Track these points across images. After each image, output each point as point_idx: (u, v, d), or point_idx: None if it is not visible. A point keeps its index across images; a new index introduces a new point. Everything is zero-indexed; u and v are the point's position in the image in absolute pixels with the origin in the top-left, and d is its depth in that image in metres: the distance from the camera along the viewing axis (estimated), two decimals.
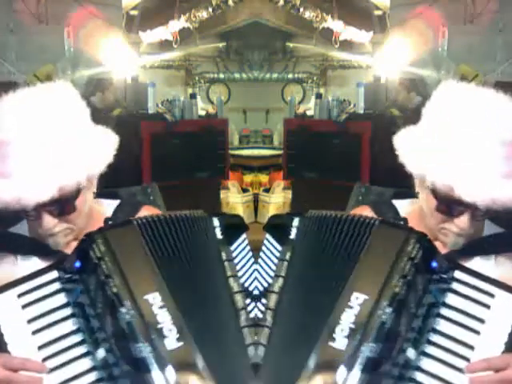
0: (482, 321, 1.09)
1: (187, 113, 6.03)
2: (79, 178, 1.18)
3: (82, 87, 5.94)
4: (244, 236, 1.24)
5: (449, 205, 1.19)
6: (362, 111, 5.78)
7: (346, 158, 5.13)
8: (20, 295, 1.10)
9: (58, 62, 6.18)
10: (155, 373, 0.98)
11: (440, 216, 1.22)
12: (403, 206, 1.39)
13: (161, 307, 1.04)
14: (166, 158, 5.08)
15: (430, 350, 1.07)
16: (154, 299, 1.04)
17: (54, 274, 1.13)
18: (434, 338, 1.08)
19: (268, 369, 1.06)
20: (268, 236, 1.24)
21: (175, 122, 5.69)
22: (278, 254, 1.19)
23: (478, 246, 1.24)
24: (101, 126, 1.30)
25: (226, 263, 1.17)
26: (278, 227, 1.24)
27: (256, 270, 1.21)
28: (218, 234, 1.20)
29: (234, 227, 1.25)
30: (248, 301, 1.15)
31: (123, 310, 1.03)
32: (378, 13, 7.11)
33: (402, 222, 1.29)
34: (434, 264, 1.10)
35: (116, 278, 1.06)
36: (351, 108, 6.43)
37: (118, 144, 1.30)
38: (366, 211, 1.38)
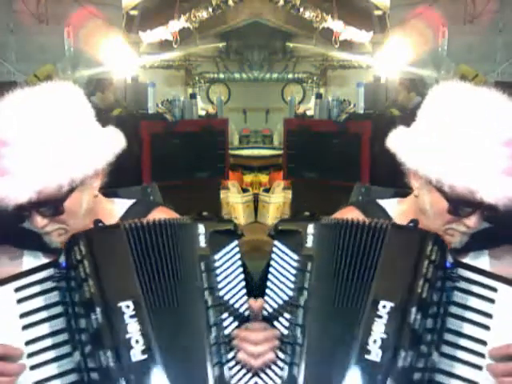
0: (489, 315, 1.09)
1: (187, 113, 6.03)
2: (71, 178, 1.15)
3: (81, 87, 5.92)
4: (235, 243, 1.16)
5: (463, 206, 1.18)
6: (362, 111, 5.78)
7: (346, 158, 5.13)
8: (17, 289, 1.10)
9: (58, 62, 6.18)
10: (117, 382, 0.97)
11: (448, 217, 1.20)
12: (390, 206, 1.38)
13: (132, 316, 1.02)
14: (166, 158, 5.08)
15: (446, 349, 1.06)
16: (128, 308, 1.02)
17: (51, 271, 1.12)
18: (448, 337, 1.07)
19: None
20: (278, 243, 1.15)
21: (175, 121, 5.69)
22: (294, 264, 1.12)
23: (470, 242, 1.25)
24: (105, 127, 1.29)
25: (203, 274, 1.10)
26: (288, 233, 1.16)
27: (268, 279, 1.13)
28: (202, 242, 1.13)
29: (226, 233, 1.18)
30: (226, 315, 1.08)
31: (93, 316, 1.01)
32: (378, 13, 7.12)
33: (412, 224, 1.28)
34: (448, 263, 1.10)
35: (92, 281, 1.04)
36: (351, 108, 6.43)
37: (121, 144, 1.29)
38: (354, 212, 1.36)
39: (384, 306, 1.02)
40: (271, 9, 6.96)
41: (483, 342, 1.07)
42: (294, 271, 1.10)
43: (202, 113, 6.98)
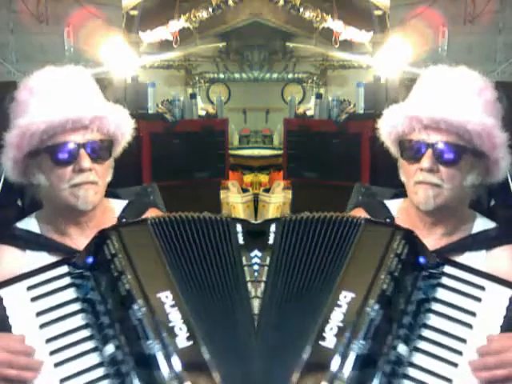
0: (473, 314, 1.10)
1: (187, 113, 6.03)
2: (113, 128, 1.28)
3: None
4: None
5: (410, 147, 1.26)
6: (362, 111, 5.77)
7: (346, 158, 5.12)
8: (29, 288, 1.11)
9: (57, 62, 6.18)
10: (164, 370, 0.99)
11: (410, 170, 1.26)
12: (394, 205, 1.41)
13: (172, 306, 1.05)
14: (165, 158, 5.08)
15: (422, 345, 1.08)
16: (167, 298, 1.05)
17: (64, 268, 1.14)
18: (426, 333, 1.09)
19: (262, 373, 1.04)
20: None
21: (175, 121, 5.69)
22: (258, 261, 1.17)
23: (468, 243, 1.26)
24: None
25: (246, 268, 1.15)
26: (260, 235, 1.21)
27: None
28: (240, 240, 1.18)
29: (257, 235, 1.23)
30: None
31: (135, 307, 1.04)
32: (378, 13, 7.11)
33: (388, 220, 1.31)
34: (422, 260, 1.12)
35: (129, 275, 1.07)
36: (351, 108, 6.43)
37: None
38: (361, 213, 1.40)
39: (345, 296, 1.05)
40: (271, 9, 6.96)
41: (463, 340, 1.08)
42: (256, 267, 1.16)
43: (202, 113, 6.98)
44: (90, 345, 1.07)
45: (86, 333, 1.08)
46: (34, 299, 1.10)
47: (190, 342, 1.01)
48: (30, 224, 1.32)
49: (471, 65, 1.31)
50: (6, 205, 1.41)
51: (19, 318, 1.09)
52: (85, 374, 1.05)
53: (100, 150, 1.26)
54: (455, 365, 1.06)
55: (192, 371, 0.99)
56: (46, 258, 1.22)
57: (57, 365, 1.05)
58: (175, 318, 1.03)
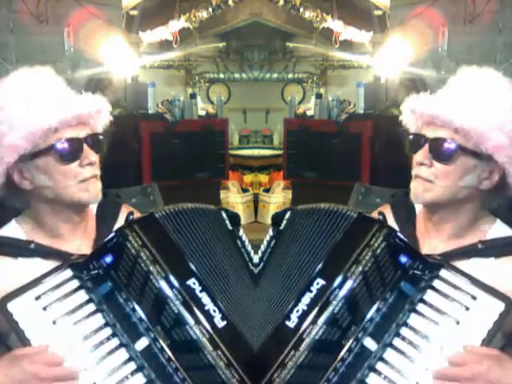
0: (457, 322, 1.09)
1: (187, 113, 6.03)
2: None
3: (82, 87, 5.94)
4: (241, 230, 1.30)
5: (412, 140, 1.27)
6: (362, 111, 5.77)
7: (346, 157, 5.13)
8: (37, 297, 1.12)
9: (57, 61, 6.18)
10: (210, 352, 1.06)
11: (413, 163, 1.27)
12: (419, 206, 1.39)
13: (201, 291, 1.11)
14: (165, 158, 5.09)
15: (397, 343, 1.10)
16: (194, 284, 1.11)
17: (68, 272, 1.14)
18: (404, 332, 1.10)
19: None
20: (270, 230, 1.30)
21: (175, 121, 5.69)
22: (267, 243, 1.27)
23: (476, 248, 1.24)
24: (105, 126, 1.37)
25: (242, 250, 1.24)
26: (277, 222, 1.30)
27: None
28: (229, 225, 1.27)
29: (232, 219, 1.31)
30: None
31: (172, 297, 1.09)
32: (378, 13, 7.11)
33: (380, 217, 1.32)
34: (404, 259, 1.13)
35: (158, 268, 1.11)
36: (351, 108, 6.43)
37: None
38: (386, 210, 1.40)
39: (318, 283, 1.13)
40: (271, 9, 6.96)
41: (439, 346, 1.08)
42: (263, 248, 1.26)
43: (202, 113, 6.98)
44: (115, 342, 1.09)
45: (108, 331, 1.10)
46: (45, 308, 1.11)
47: (225, 322, 1.09)
48: (13, 230, 1.28)
49: (471, 65, 1.30)
50: (6, 204, 1.38)
51: (35, 329, 1.09)
52: (116, 371, 1.07)
53: (97, 143, 1.27)
54: (426, 368, 1.07)
55: (234, 348, 1.07)
56: (39, 264, 1.20)
57: (87, 368, 1.07)
58: (207, 301, 1.10)
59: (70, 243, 1.26)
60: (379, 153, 4.95)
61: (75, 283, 1.14)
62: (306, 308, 1.10)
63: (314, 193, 5.03)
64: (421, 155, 1.24)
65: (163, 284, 1.10)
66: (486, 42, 6.44)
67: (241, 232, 1.30)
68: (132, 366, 1.07)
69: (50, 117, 1.18)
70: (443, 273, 1.15)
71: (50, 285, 1.13)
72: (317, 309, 1.09)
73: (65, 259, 1.18)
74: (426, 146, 1.23)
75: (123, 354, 1.08)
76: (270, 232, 1.29)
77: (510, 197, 1.26)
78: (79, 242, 1.27)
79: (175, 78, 7.67)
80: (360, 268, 1.12)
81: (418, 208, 1.38)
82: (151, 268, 1.11)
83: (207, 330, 1.07)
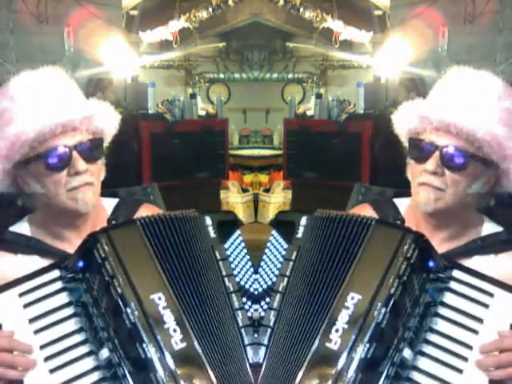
0: (480, 320, 1.09)
1: (187, 113, 6.03)
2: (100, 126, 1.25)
3: (82, 87, 5.92)
4: (238, 232, 1.24)
5: (419, 146, 1.23)
6: (362, 111, 5.77)
7: (346, 157, 5.12)
8: (21, 294, 1.10)
9: (57, 61, 6.18)
10: (161, 373, 0.99)
11: (416, 170, 1.24)
12: (402, 203, 1.39)
13: (165, 307, 1.04)
14: (166, 158, 5.08)
15: (427, 349, 1.07)
16: (160, 299, 1.05)
17: (56, 273, 1.13)
18: (432, 337, 1.08)
19: (268, 368, 1.06)
20: (274, 233, 1.23)
21: (175, 121, 5.68)
22: (283, 252, 1.19)
23: (476, 247, 1.24)
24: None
25: (220, 262, 1.16)
26: (284, 224, 1.23)
27: (260, 266, 1.21)
28: (212, 233, 1.19)
29: (228, 224, 1.25)
30: (244, 299, 1.14)
31: (128, 310, 1.03)
32: (378, 13, 7.11)
33: (399, 222, 1.30)
34: (431, 264, 1.10)
35: (121, 278, 1.06)
36: (351, 108, 6.43)
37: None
38: (367, 209, 1.38)
39: (352, 298, 1.05)
40: (271, 9, 6.95)
41: (469, 347, 1.07)
42: (281, 259, 1.17)
43: (202, 113, 6.98)
44: (84, 349, 1.07)
45: (80, 337, 1.08)
46: (26, 305, 1.09)
47: (185, 344, 1.02)
48: (22, 228, 1.29)
49: (471, 65, 1.29)
50: (6, 205, 1.39)
51: (12, 325, 1.08)
52: (81, 378, 1.05)
53: (92, 150, 1.24)
54: (460, 371, 1.06)
55: (188, 372, 1.00)
56: (38, 262, 1.21)
57: (52, 371, 1.05)
58: (169, 319, 1.03)
59: (76, 245, 1.25)
60: (379, 153, 4.95)
61: (59, 284, 1.13)
62: (347, 326, 1.03)
63: (314, 193, 5.03)
64: (432, 164, 1.20)
65: (123, 295, 1.04)
66: (486, 42, 6.44)
67: (235, 236, 1.23)
68: (96, 375, 1.05)
69: (28, 127, 1.16)
70: (456, 273, 1.14)
71: (35, 283, 1.12)
72: (361, 325, 1.02)
73: (60, 259, 1.17)
74: (437, 154, 1.20)
75: (89, 362, 1.06)
76: (277, 236, 1.22)
77: (500, 195, 1.27)
78: None
79: (175, 78, 7.67)
80: (397, 277, 1.07)
81: (402, 207, 1.37)
82: (114, 277, 1.06)
83: (161, 350, 1.00)
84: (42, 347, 1.07)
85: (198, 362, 1.01)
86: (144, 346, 1.01)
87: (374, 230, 1.14)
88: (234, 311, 1.10)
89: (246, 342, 1.08)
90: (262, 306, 1.15)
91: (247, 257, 1.22)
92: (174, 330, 1.02)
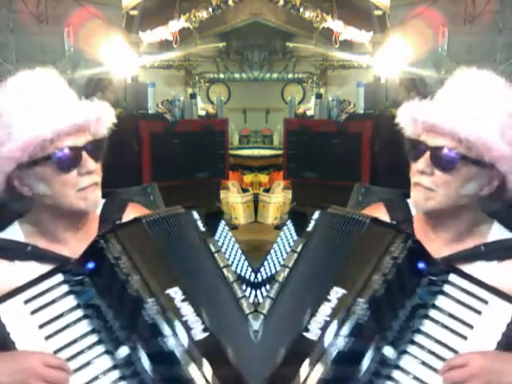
0: (470, 326, 1.09)
1: (187, 113, 6.03)
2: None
3: (82, 87, 5.94)
4: (223, 223, 1.26)
5: (413, 146, 1.23)
6: (362, 111, 5.77)
7: (346, 157, 5.12)
8: (26, 301, 1.11)
9: (57, 61, 6.17)
10: (184, 364, 1.01)
11: (412, 170, 1.24)
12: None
13: (182, 301, 1.07)
14: (166, 158, 5.08)
15: (412, 350, 1.08)
16: (176, 293, 1.07)
17: (59, 277, 1.14)
18: (418, 338, 1.09)
19: (259, 353, 1.09)
20: (289, 222, 1.26)
21: (175, 121, 5.68)
22: (291, 243, 1.22)
23: (479, 252, 1.23)
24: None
25: (216, 255, 1.18)
26: (299, 216, 1.26)
27: (271, 252, 1.23)
28: (201, 227, 1.22)
29: (212, 215, 1.27)
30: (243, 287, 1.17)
31: (147, 306, 1.05)
32: (378, 13, 7.10)
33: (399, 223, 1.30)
34: (422, 265, 1.11)
35: (136, 275, 1.08)
36: (351, 108, 6.43)
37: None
38: (380, 209, 1.38)
39: (336, 292, 1.08)
40: (271, 9, 6.95)
41: (455, 351, 1.08)
42: (288, 249, 1.20)
43: (202, 113, 6.98)
44: (100, 349, 1.08)
45: (93, 338, 1.09)
46: (33, 312, 1.10)
47: (205, 334, 1.04)
48: (14, 233, 1.27)
49: (471, 65, 1.29)
50: (6, 205, 1.37)
51: (21, 332, 1.08)
52: (98, 379, 1.06)
53: (97, 150, 1.25)
54: (440, 374, 1.06)
55: (212, 361, 1.02)
56: (36, 268, 1.20)
57: (70, 374, 1.06)
58: (187, 311, 1.06)
59: (71, 247, 1.25)
60: (379, 153, 4.95)
61: (65, 288, 1.13)
62: (328, 319, 1.05)
63: (314, 193, 5.03)
64: (422, 164, 1.21)
65: (140, 292, 1.07)
66: (486, 42, 6.44)
67: (221, 227, 1.25)
68: (115, 374, 1.06)
69: (47, 127, 1.16)
70: (452, 277, 1.14)
71: (39, 289, 1.12)
72: (339, 319, 1.05)
73: (60, 263, 1.17)
74: (427, 154, 1.20)
75: (107, 361, 1.07)
76: (290, 226, 1.24)
77: (507, 199, 1.25)
78: (81, 245, 1.25)
79: (175, 78, 7.67)
80: (382, 275, 1.09)
81: (413, 207, 1.37)
82: (129, 275, 1.08)
83: (183, 342, 1.03)
84: (55, 352, 1.07)
85: (220, 352, 1.03)
86: (166, 339, 1.03)
87: (368, 229, 1.16)
88: (238, 300, 1.13)
89: (255, 329, 1.11)
90: (261, 293, 1.18)
91: (236, 245, 1.24)
92: (193, 322, 1.05)
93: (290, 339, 1.05)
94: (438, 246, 1.26)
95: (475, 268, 1.21)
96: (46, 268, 1.18)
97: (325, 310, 1.06)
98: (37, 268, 1.19)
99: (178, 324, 1.04)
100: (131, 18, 7.06)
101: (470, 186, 1.21)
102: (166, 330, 1.04)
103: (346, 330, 1.04)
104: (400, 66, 6.06)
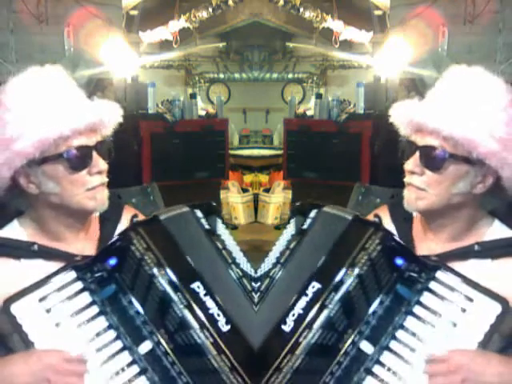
0: (453, 324, 1.09)
1: (187, 113, 6.02)
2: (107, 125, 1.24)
3: (82, 87, 5.92)
4: (220, 221, 1.28)
5: (404, 147, 1.24)
6: (362, 111, 5.77)
7: (346, 157, 5.12)
8: (41, 299, 1.11)
9: (57, 61, 6.18)
10: (213, 355, 1.05)
11: (405, 169, 1.25)
12: None
13: (205, 294, 1.10)
14: (166, 157, 5.08)
15: (393, 345, 1.09)
16: (199, 288, 1.10)
17: (72, 274, 1.14)
18: (400, 334, 1.10)
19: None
20: (292, 220, 1.28)
21: (175, 121, 5.68)
22: (288, 239, 1.24)
23: (473, 250, 1.23)
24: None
25: (223, 251, 1.21)
26: (302, 214, 1.28)
27: (273, 248, 1.26)
28: (206, 225, 1.23)
29: (208, 213, 1.28)
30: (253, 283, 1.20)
31: (176, 300, 1.09)
32: (378, 13, 7.12)
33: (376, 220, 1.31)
34: (399, 262, 1.12)
35: (162, 271, 1.11)
36: (351, 108, 6.43)
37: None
38: (384, 210, 1.39)
39: (313, 287, 1.12)
40: (271, 9, 6.96)
41: (436, 348, 1.08)
42: (284, 245, 1.23)
43: (202, 113, 6.98)
44: (118, 345, 1.09)
45: (112, 334, 1.10)
46: (49, 310, 1.11)
47: (229, 326, 1.08)
48: (15, 231, 1.27)
49: (471, 65, 1.28)
50: (6, 204, 1.37)
51: (39, 331, 1.09)
52: (119, 374, 1.07)
53: (106, 151, 1.25)
54: (420, 370, 1.08)
55: (238, 352, 1.06)
56: (42, 266, 1.20)
57: (89, 370, 1.07)
58: (211, 304, 1.09)
59: (73, 246, 1.25)
60: (379, 153, 4.96)
61: (79, 285, 1.14)
62: (301, 312, 1.09)
63: (314, 193, 5.03)
64: (411, 163, 1.21)
65: (167, 287, 1.10)
66: (485, 42, 6.45)
67: (219, 226, 1.27)
68: (135, 369, 1.07)
69: (62, 125, 1.15)
70: (439, 274, 1.14)
71: (53, 287, 1.13)
72: (313, 312, 1.09)
73: (68, 261, 1.18)
74: (417, 154, 1.21)
75: (126, 356, 1.08)
76: (292, 224, 1.27)
77: (506, 197, 1.25)
78: (81, 244, 1.26)
79: (175, 78, 7.68)
80: (355, 271, 1.12)
81: None
82: (155, 271, 1.11)
83: (211, 334, 1.07)
84: (74, 349, 1.08)
85: (245, 342, 1.07)
86: (194, 333, 1.07)
87: (350, 226, 1.19)
88: (249, 293, 1.16)
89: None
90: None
91: (234, 243, 1.26)
92: (218, 315, 1.08)
93: (268, 331, 1.09)
94: (437, 245, 1.26)
95: (468, 266, 1.21)
96: (51, 266, 1.18)
97: (301, 303, 1.10)
98: (43, 266, 1.19)
99: (204, 317, 1.08)
100: (131, 18, 7.07)
101: (461, 184, 1.21)
102: (194, 323, 1.07)
103: (318, 323, 1.08)
104: (400, 65, 6.06)
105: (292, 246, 1.21)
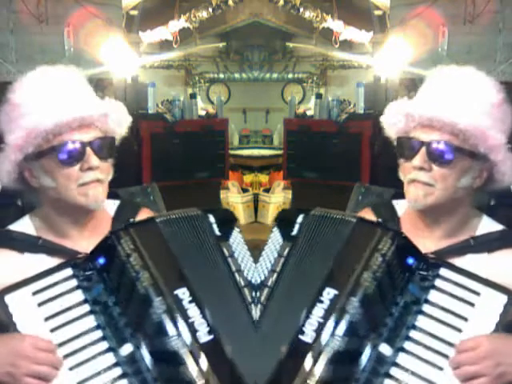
0: (465, 319, 1.10)
1: (187, 113, 6.02)
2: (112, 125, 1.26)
3: None
4: (237, 230, 1.26)
5: (406, 144, 1.24)
6: (362, 111, 5.77)
7: (346, 157, 5.12)
8: (35, 293, 1.11)
9: (57, 62, 6.18)
10: (188, 365, 1.02)
11: (406, 168, 1.25)
12: (399, 205, 1.40)
13: (190, 302, 1.07)
14: (166, 157, 5.08)
15: (408, 346, 1.08)
16: (184, 294, 1.07)
17: (69, 271, 1.14)
18: (414, 334, 1.09)
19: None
20: (275, 229, 1.26)
21: (175, 121, 5.68)
22: (278, 248, 1.22)
23: (468, 245, 1.25)
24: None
25: (229, 259, 1.18)
26: (285, 221, 1.26)
27: (259, 260, 1.23)
28: (216, 230, 1.22)
29: (226, 222, 1.27)
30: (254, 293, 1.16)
31: (155, 305, 1.06)
32: (378, 13, 7.11)
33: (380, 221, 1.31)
34: (411, 261, 1.12)
35: (146, 274, 1.09)
36: (351, 108, 6.43)
37: (118, 142, 1.33)
38: (368, 214, 1.40)
39: (328, 293, 1.09)
40: (271, 9, 6.96)
41: (451, 344, 1.08)
42: (275, 255, 1.20)
43: (202, 113, 6.98)
44: (104, 346, 1.08)
45: (98, 334, 1.09)
46: (40, 304, 1.11)
47: (210, 337, 1.04)
48: (24, 226, 1.29)
49: (471, 65, 1.30)
50: (6, 205, 1.39)
51: (27, 323, 1.09)
52: (101, 375, 1.06)
53: (105, 148, 1.25)
54: (441, 369, 1.07)
55: (215, 365, 1.02)
56: (45, 261, 1.21)
57: (72, 368, 1.07)
58: (194, 313, 1.06)
59: (78, 244, 1.26)
60: (379, 153, 4.95)
61: (74, 282, 1.14)
62: (321, 320, 1.06)
63: (314, 193, 5.03)
64: (418, 160, 1.22)
65: (149, 290, 1.07)
66: (485, 42, 6.45)
67: (234, 233, 1.25)
68: (117, 371, 1.06)
69: (49, 118, 1.17)
70: (443, 271, 1.15)
71: (48, 282, 1.13)
72: (333, 319, 1.06)
73: (71, 257, 1.18)
74: (423, 150, 1.21)
75: (110, 358, 1.07)
76: (276, 233, 1.24)
77: (494, 191, 1.27)
78: (86, 242, 1.26)
79: (175, 78, 7.67)
80: (371, 273, 1.10)
81: (401, 208, 1.38)
82: (139, 273, 1.09)
83: (187, 343, 1.03)
84: (59, 345, 1.08)
85: (224, 355, 1.03)
86: (170, 340, 1.03)
87: (355, 229, 1.17)
88: (248, 305, 1.12)
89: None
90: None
91: (248, 253, 1.24)
92: (200, 324, 1.05)
93: (285, 343, 1.05)
94: (431, 243, 1.27)
95: (466, 261, 1.23)
96: (54, 261, 1.19)
97: (318, 311, 1.07)
98: (46, 261, 1.21)
99: (183, 325, 1.04)
100: (131, 18, 7.06)
101: (465, 178, 1.23)
102: (172, 330, 1.04)
103: (340, 329, 1.05)
104: (400, 66, 6.06)
105: (285, 253, 1.19)
